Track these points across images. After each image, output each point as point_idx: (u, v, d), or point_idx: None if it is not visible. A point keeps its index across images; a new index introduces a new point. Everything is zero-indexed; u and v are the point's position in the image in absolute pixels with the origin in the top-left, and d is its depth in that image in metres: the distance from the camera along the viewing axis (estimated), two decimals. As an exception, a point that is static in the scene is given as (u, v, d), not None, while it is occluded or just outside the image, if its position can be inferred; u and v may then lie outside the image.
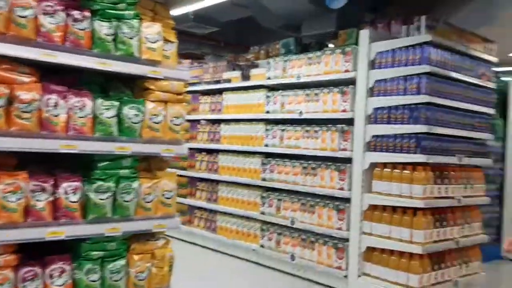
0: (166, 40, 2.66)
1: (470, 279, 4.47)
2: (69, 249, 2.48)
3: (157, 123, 2.62)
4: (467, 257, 4.48)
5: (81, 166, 2.55)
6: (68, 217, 2.38)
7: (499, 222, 6.35)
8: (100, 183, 2.46)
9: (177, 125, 2.71)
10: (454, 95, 4.33)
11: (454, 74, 4.31)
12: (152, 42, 2.55)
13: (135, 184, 2.56)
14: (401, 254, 4.09)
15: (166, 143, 2.67)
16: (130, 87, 2.69)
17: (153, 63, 2.56)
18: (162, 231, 2.79)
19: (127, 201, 2.54)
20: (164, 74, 2.59)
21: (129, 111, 2.51)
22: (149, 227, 2.67)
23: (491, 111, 4.76)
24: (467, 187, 4.45)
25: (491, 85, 4.74)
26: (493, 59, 4.75)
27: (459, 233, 4.35)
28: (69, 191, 2.39)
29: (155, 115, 2.60)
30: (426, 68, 4.04)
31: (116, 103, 2.49)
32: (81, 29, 2.36)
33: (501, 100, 6.20)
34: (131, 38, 2.48)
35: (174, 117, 2.69)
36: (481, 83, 4.61)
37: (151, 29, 2.56)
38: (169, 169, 2.93)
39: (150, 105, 2.59)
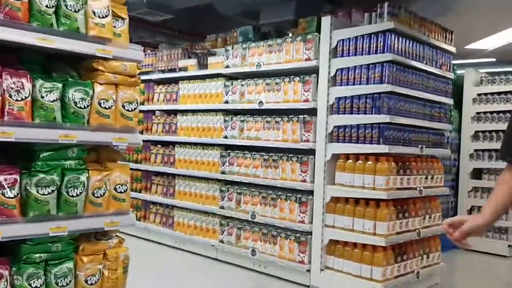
0: (117, 16, 2.39)
1: (431, 270, 4.48)
2: (8, 252, 2.20)
3: (107, 108, 2.34)
4: (428, 247, 4.48)
5: (20, 157, 2.26)
6: (5, 215, 2.10)
7: (455, 211, 6.49)
8: (41, 176, 2.18)
9: (130, 111, 2.45)
10: (415, 85, 4.29)
11: (416, 63, 4.27)
12: (101, 17, 2.27)
13: (82, 177, 2.30)
14: (364, 246, 4.02)
15: (117, 131, 2.41)
16: (76, 68, 2.40)
17: (102, 40, 2.28)
18: (115, 229, 2.53)
19: (73, 196, 2.28)
20: (115, 54, 2.32)
21: (74, 95, 2.22)
22: (100, 225, 2.41)
23: (449, 101, 4.77)
24: (428, 177, 4.44)
25: (450, 75, 4.75)
26: (452, 49, 4.76)
27: (420, 224, 4.33)
28: (6, 185, 2.11)
29: (104, 99, 2.33)
30: (389, 56, 3.97)
31: (59, 85, 2.20)
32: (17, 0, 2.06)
33: (456, 92, 6.31)
34: (75, 12, 2.20)
35: (127, 102, 2.43)
36: (441, 73, 4.60)
37: (99, 3, 2.29)
38: (121, 162, 2.66)
39: (98, 88, 2.31)
